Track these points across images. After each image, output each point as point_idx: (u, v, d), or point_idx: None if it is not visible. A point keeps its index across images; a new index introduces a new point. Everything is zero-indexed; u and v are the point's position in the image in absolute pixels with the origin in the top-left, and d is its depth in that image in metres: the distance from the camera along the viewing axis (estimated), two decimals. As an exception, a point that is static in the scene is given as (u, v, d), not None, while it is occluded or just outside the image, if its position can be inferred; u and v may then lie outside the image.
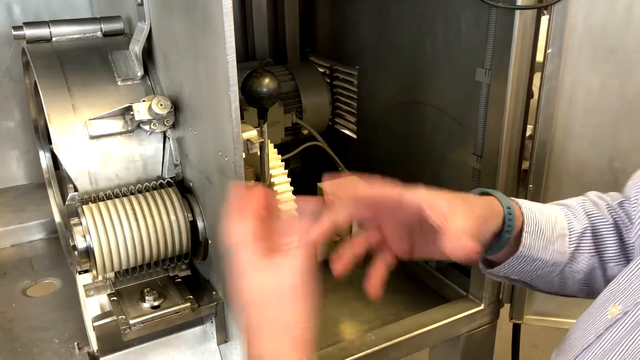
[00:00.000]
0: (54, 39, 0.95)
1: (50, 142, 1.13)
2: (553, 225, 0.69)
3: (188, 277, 0.90)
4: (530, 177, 0.91)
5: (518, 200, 0.70)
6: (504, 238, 0.67)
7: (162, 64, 0.88)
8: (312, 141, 1.31)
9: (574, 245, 0.70)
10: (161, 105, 0.82)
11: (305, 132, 1.33)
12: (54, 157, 1.14)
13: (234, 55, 0.64)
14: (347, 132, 1.41)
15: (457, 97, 1.02)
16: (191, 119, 0.81)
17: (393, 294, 1.10)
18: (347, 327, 1.06)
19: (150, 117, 0.83)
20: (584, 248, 0.70)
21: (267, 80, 0.76)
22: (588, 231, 0.70)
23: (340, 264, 0.63)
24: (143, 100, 0.84)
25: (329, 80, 1.41)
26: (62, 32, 0.95)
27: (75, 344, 0.97)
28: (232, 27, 0.63)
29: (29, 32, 0.93)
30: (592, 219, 0.71)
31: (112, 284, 0.87)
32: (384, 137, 1.27)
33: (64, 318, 1.05)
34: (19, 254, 1.27)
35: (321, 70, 1.42)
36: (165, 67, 0.87)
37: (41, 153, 1.16)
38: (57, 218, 1.14)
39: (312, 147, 1.32)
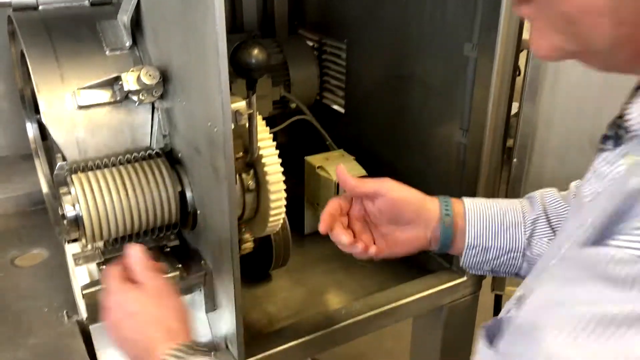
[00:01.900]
0: (40, 7, 0.94)
1: (37, 112, 1.13)
2: (503, 214, 0.77)
3: (176, 247, 0.92)
4: (514, 152, 0.93)
5: (466, 198, 0.79)
6: (445, 221, 0.76)
7: (150, 34, 0.88)
8: (299, 115, 1.31)
9: (529, 231, 0.76)
10: (150, 75, 0.82)
11: (293, 105, 1.33)
12: (41, 128, 1.14)
13: (224, 26, 0.64)
14: (335, 106, 1.41)
15: (445, 72, 1.02)
16: (180, 90, 0.81)
17: (378, 265, 1.12)
18: (332, 296, 1.08)
19: (138, 88, 0.83)
20: (540, 233, 0.76)
21: (256, 51, 0.76)
22: (542, 217, 0.76)
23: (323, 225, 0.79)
24: (132, 70, 0.84)
25: (317, 54, 1.41)
26: (48, 0, 0.94)
27: (65, 312, 0.99)
28: (223, 1, 0.63)
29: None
30: (549, 205, 0.77)
31: (102, 253, 0.87)
32: (372, 112, 1.27)
33: (52, 287, 1.06)
34: (5, 225, 1.27)
35: (310, 43, 1.41)
36: (154, 38, 0.87)
37: (28, 124, 1.15)
38: (45, 189, 1.14)
39: (299, 121, 1.32)
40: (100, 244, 0.87)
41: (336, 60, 1.37)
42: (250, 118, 0.80)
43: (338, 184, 1.10)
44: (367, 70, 1.27)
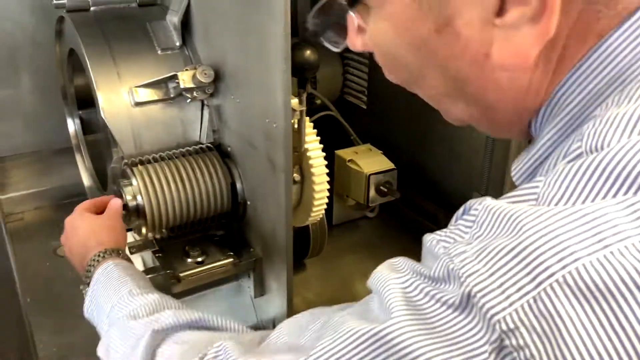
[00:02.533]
0: (91, 8, 0.99)
1: (79, 108, 1.17)
2: None
3: (224, 236, 0.97)
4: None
5: None
6: None
7: (201, 35, 0.93)
8: (325, 111, 1.37)
9: None
10: (205, 74, 0.87)
11: (318, 102, 1.38)
12: (84, 123, 1.18)
13: (289, 29, 0.70)
14: (357, 102, 1.47)
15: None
16: (234, 88, 0.87)
17: (405, 253, 1.18)
18: (363, 284, 1.14)
19: (193, 85, 0.88)
20: None
21: (308, 52, 0.81)
22: None
23: None
24: (186, 69, 0.89)
25: (340, 53, 1.46)
26: (99, 1, 0.99)
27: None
28: (289, 5, 0.68)
29: (70, 1, 0.96)
30: None
31: (155, 242, 0.93)
32: (396, 108, 1.33)
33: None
34: (42, 217, 1.31)
35: (333, 42, 1.46)
36: (206, 39, 0.92)
37: (69, 120, 1.20)
38: (87, 182, 1.19)
39: (324, 116, 1.38)
40: (151, 234, 0.92)
41: (359, 58, 1.42)
42: (301, 115, 0.85)
43: (369, 176, 1.16)
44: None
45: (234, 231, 0.98)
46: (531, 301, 0.32)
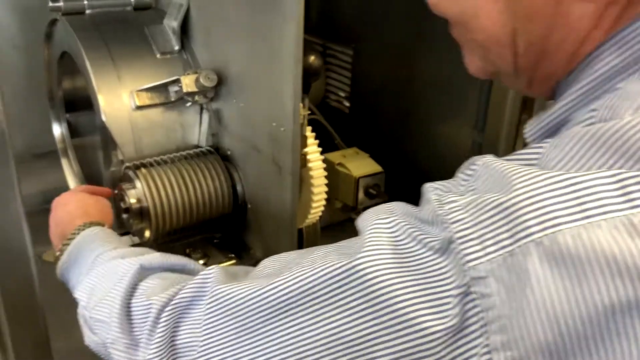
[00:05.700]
0: (87, 11, 0.98)
1: (67, 111, 1.16)
2: None
3: (222, 239, 0.98)
4: (526, 149, 1.04)
5: None
6: None
7: (201, 39, 0.94)
8: (309, 115, 1.39)
9: None
10: (209, 78, 0.88)
11: (302, 106, 1.40)
12: (71, 127, 1.17)
13: (302, 35, 0.72)
14: (339, 106, 1.50)
15: (457, 73, 1.12)
16: (237, 92, 0.88)
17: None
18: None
19: (196, 90, 0.89)
20: None
21: (312, 58, 0.84)
22: None
23: None
24: (188, 73, 0.90)
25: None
26: (94, 5, 0.99)
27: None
28: (303, 10, 0.70)
29: (66, 4, 0.96)
30: None
31: (155, 246, 0.93)
32: (379, 112, 1.36)
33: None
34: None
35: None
36: (206, 43, 0.93)
37: (55, 123, 1.18)
38: (73, 186, 1.17)
39: (309, 121, 1.40)
40: (154, 236, 0.92)
41: (341, 63, 1.45)
42: (304, 119, 0.87)
43: (359, 179, 1.19)
44: (375, 72, 1.36)
45: (231, 234, 0.99)
46: (506, 255, 0.34)
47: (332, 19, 1.45)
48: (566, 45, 0.42)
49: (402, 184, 1.32)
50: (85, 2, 0.97)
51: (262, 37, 0.78)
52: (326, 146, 1.39)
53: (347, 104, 1.46)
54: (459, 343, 0.36)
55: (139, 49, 0.94)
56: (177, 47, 0.95)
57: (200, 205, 0.89)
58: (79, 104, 1.16)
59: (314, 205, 0.96)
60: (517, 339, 0.34)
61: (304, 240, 1.10)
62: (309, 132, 0.95)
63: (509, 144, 1.04)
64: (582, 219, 0.33)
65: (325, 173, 0.95)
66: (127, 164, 0.88)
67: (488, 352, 0.35)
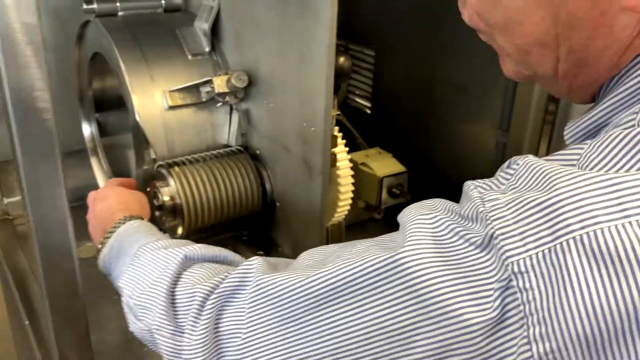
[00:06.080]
0: (119, 13, 1.01)
1: (96, 111, 1.19)
2: None
3: (251, 236, 1.00)
4: (550, 149, 1.05)
5: None
6: None
7: (232, 41, 0.96)
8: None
9: None
10: (240, 79, 0.90)
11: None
12: (100, 126, 1.20)
13: (335, 39, 0.73)
14: (360, 106, 1.51)
15: (482, 75, 1.13)
16: (267, 93, 0.90)
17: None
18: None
19: (227, 90, 0.91)
20: None
21: (342, 59, 0.86)
22: None
23: None
24: (219, 74, 0.92)
25: (343, 58, 1.50)
26: (126, 7, 1.01)
27: (136, 299, 1.05)
28: (336, 13, 0.72)
29: (99, 6, 0.98)
30: None
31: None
32: (402, 113, 1.38)
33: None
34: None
35: (336, 48, 1.51)
36: (236, 45, 0.95)
37: (84, 123, 1.21)
38: (102, 184, 1.20)
39: (331, 120, 1.41)
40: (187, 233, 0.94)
41: (363, 64, 1.46)
42: (333, 119, 0.89)
43: (382, 179, 1.20)
44: (397, 73, 1.37)
45: (260, 231, 1.01)
46: (546, 251, 0.36)
47: (354, 20, 1.47)
48: (609, 53, 0.44)
49: (424, 183, 1.34)
50: (118, 4, 1.00)
51: (293, 39, 0.80)
52: (348, 146, 1.41)
53: (369, 105, 1.48)
54: (499, 334, 0.38)
55: (170, 50, 0.96)
56: (207, 49, 0.98)
57: (230, 203, 0.91)
58: (109, 104, 1.18)
59: (340, 204, 0.98)
60: (556, 331, 0.35)
61: (328, 238, 1.12)
62: (336, 132, 0.96)
63: (533, 144, 1.05)
64: (622, 217, 0.34)
65: (352, 172, 0.97)
66: (160, 163, 0.90)
67: (527, 343, 0.37)
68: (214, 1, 0.96)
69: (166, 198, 0.87)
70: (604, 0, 0.41)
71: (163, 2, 1.04)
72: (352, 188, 0.98)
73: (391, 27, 1.35)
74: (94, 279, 1.09)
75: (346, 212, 1.01)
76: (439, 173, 1.32)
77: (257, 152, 0.97)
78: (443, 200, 0.47)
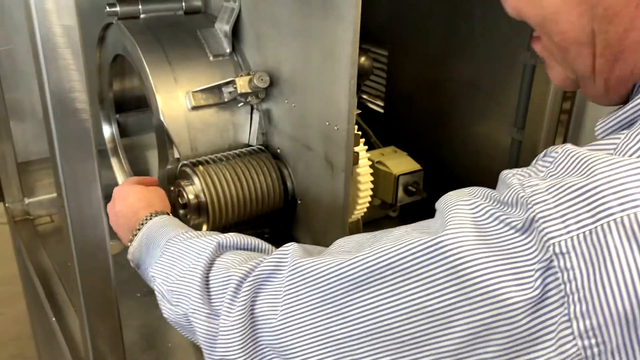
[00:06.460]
0: (141, 16, 1.03)
1: (117, 112, 1.21)
2: None
3: (272, 233, 1.02)
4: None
5: None
6: None
7: (252, 42, 0.98)
8: (346, 115, 1.42)
9: None
10: (262, 79, 0.92)
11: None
12: (121, 127, 1.22)
13: (358, 38, 0.75)
14: (373, 106, 1.53)
15: (497, 75, 1.15)
16: (289, 93, 0.92)
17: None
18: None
19: (249, 90, 0.93)
20: None
21: (363, 59, 0.87)
22: None
23: None
24: (241, 75, 0.94)
25: (357, 58, 1.51)
26: (148, 9, 1.03)
27: (159, 296, 1.07)
28: (359, 14, 0.74)
29: (122, 9, 1.00)
30: None
31: (208, 239, 0.97)
32: (416, 112, 1.39)
33: (138, 275, 1.14)
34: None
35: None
36: (257, 46, 0.97)
37: (105, 124, 1.23)
38: (123, 183, 1.22)
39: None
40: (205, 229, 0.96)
41: (376, 64, 1.47)
42: (354, 118, 0.90)
43: (398, 177, 1.22)
44: (410, 73, 1.39)
45: (281, 228, 1.02)
46: (587, 233, 0.37)
47: (368, 20, 1.48)
48: None
49: (440, 181, 1.35)
50: (140, 7, 1.02)
51: (315, 39, 0.82)
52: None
53: (382, 104, 1.49)
54: (540, 313, 0.39)
55: (192, 51, 0.98)
56: (228, 50, 0.99)
57: (253, 200, 0.93)
58: (129, 105, 1.20)
59: (359, 201, 1.00)
60: (597, 308, 0.37)
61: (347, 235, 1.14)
62: (355, 130, 0.98)
63: (549, 141, 1.07)
64: None
65: (371, 170, 0.99)
66: (184, 162, 0.92)
67: (567, 321, 0.38)
68: (235, 3, 0.97)
69: (191, 196, 0.89)
70: None
71: (183, 4, 1.06)
72: (372, 186, 0.99)
73: (405, 28, 1.36)
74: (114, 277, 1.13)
75: (365, 210, 1.02)
76: (454, 171, 1.33)
77: (278, 150, 0.98)
78: (482, 188, 0.48)
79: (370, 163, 0.98)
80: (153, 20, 1.02)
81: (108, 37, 1.09)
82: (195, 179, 0.89)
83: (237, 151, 0.97)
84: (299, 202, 0.97)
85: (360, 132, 0.99)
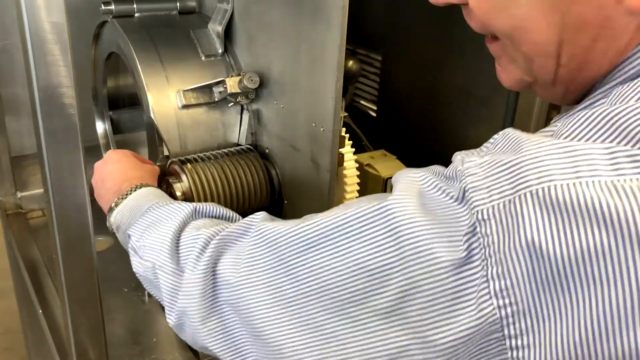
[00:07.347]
0: (135, 14, 1.04)
1: (110, 109, 1.22)
2: None
3: (258, 233, 1.03)
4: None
5: None
6: None
7: (244, 43, 0.99)
8: (338, 117, 1.43)
9: None
10: (252, 80, 0.93)
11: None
12: (114, 124, 1.23)
13: (345, 43, 0.77)
14: (366, 109, 1.55)
15: (487, 81, 1.16)
16: (278, 94, 0.93)
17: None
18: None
19: (239, 91, 0.94)
20: None
21: (351, 62, 0.89)
22: None
23: None
24: (232, 75, 0.95)
25: (350, 62, 1.53)
26: (142, 8, 1.05)
27: (146, 292, 1.08)
28: (346, 18, 0.75)
29: (117, 7, 1.02)
30: None
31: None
32: (407, 116, 1.41)
33: (126, 270, 1.15)
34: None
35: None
36: (249, 47, 0.98)
37: (98, 120, 1.24)
38: (114, 180, 1.23)
39: (337, 123, 1.45)
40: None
41: (370, 68, 1.49)
42: (341, 120, 0.92)
43: (386, 180, 1.23)
44: (403, 78, 1.40)
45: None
46: (506, 202, 0.41)
47: (362, 25, 1.50)
48: (608, 55, 0.47)
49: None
50: (135, 6, 1.03)
51: (305, 42, 0.83)
52: (354, 147, 1.44)
53: (374, 108, 1.51)
54: (464, 273, 0.43)
55: (185, 51, 0.99)
56: (220, 50, 1.01)
57: (240, 199, 0.94)
58: (122, 102, 1.22)
59: (345, 202, 1.01)
60: (510, 270, 0.40)
61: (334, 236, 1.15)
62: (343, 133, 0.99)
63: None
64: (574, 178, 0.39)
65: (358, 172, 1.00)
66: (173, 159, 0.94)
67: (485, 282, 0.42)
68: (228, 4, 0.99)
69: (178, 193, 0.90)
70: (609, 3, 0.44)
71: (178, 4, 1.07)
72: (358, 187, 1.01)
73: (398, 33, 1.38)
74: (100, 272, 1.14)
75: (351, 211, 1.04)
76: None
77: (267, 150, 1.00)
78: (435, 166, 0.52)
79: (356, 165, 1.00)
80: (147, 19, 1.04)
81: (103, 34, 1.10)
82: (184, 176, 0.91)
83: (225, 150, 0.98)
84: (286, 201, 0.98)
85: (348, 134, 1.01)
